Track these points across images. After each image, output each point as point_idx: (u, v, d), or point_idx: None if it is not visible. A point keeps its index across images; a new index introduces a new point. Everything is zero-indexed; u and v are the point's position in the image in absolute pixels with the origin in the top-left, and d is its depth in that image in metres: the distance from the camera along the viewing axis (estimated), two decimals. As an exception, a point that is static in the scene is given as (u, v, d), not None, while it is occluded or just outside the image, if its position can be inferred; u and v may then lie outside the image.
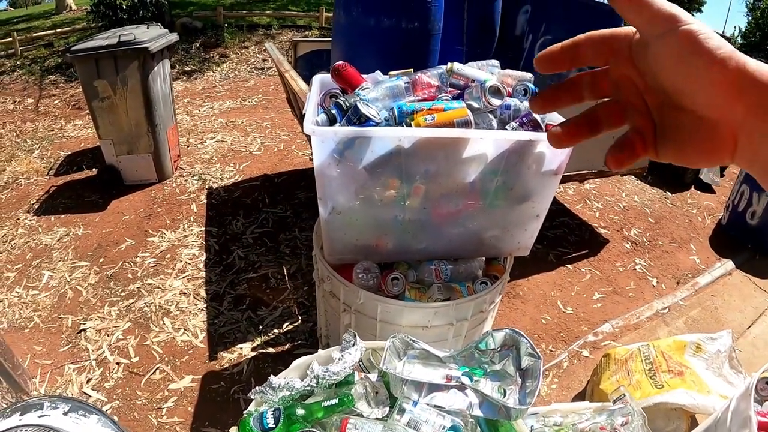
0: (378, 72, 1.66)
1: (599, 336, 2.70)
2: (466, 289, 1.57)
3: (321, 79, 1.68)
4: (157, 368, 2.44)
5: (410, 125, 1.28)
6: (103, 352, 2.52)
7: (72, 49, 3.42)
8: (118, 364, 2.46)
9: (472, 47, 3.27)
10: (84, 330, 2.66)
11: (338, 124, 1.31)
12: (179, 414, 2.20)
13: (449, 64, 1.49)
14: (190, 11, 9.56)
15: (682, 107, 0.37)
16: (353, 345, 1.30)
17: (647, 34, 0.37)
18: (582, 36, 0.42)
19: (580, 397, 2.31)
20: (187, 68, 7.45)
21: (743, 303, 3.18)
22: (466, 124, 1.28)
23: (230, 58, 7.92)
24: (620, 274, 3.30)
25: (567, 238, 3.61)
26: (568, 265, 3.30)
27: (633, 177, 4.69)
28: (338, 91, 1.52)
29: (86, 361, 2.48)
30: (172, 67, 7.45)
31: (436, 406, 1.15)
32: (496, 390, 1.19)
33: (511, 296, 2.92)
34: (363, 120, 1.20)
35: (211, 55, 7.92)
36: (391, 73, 1.59)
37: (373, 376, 1.26)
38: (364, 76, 1.67)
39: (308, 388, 1.22)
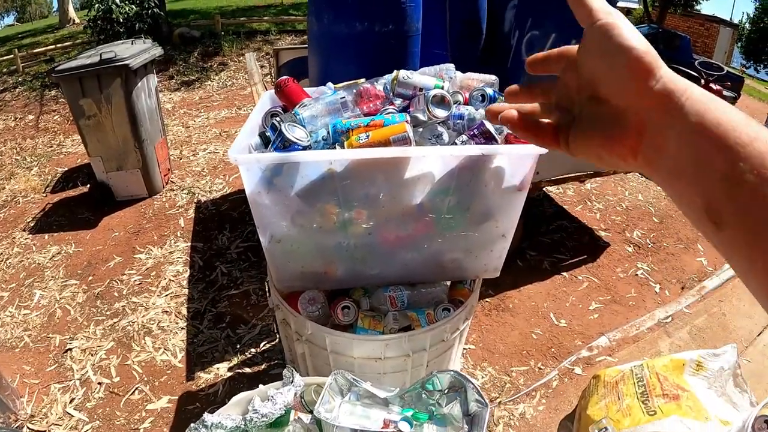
0: (329, 84, 1.55)
1: (594, 351, 2.55)
2: (425, 317, 1.45)
3: (271, 95, 1.58)
4: (136, 388, 2.43)
5: (344, 145, 1.17)
6: (87, 371, 2.53)
7: (56, 69, 3.41)
8: (99, 383, 2.46)
9: (458, 47, 3.15)
10: (70, 349, 2.68)
11: (269, 148, 1.20)
12: (155, 435, 2.16)
13: (395, 72, 1.38)
14: (190, 20, 9.56)
15: (599, 98, 0.39)
16: (291, 383, 1.20)
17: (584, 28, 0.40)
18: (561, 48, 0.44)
19: (569, 420, 2.17)
20: (186, 78, 7.43)
21: (753, 308, 2.98)
22: (404, 140, 1.16)
23: (228, 67, 7.89)
24: (620, 281, 3.14)
25: (564, 243, 3.46)
26: (564, 273, 3.14)
27: (637, 174, 4.50)
28: (279, 110, 1.42)
29: (71, 380, 2.49)
30: (171, 78, 7.45)
31: (372, 456, 1.04)
32: (439, 439, 1.07)
33: (500, 309, 2.79)
34: (287, 145, 1.10)
35: (210, 63, 7.90)
36: (338, 85, 1.48)
37: (308, 417, 1.16)
38: (311, 89, 1.56)
39: (240, 428, 1.14)
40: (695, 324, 2.79)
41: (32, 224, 3.89)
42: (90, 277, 3.24)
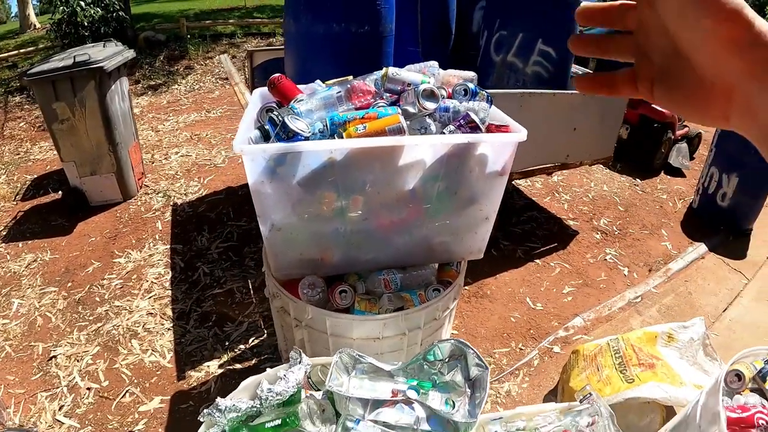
0: (317, 81, 1.63)
1: (570, 331, 2.69)
2: (417, 297, 1.54)
3: (261, 92, 1.65)
4: (127, 391, 2.43)
5: (342, 136, 1.25)
6: (74, 378, 2.51)
7: (28, 72, 3.35)
8: (88, 389, 2.44)
9: (429, 47, 3.26)
10: (54, 357, 2.64)
11: (272, 139, 1.27)
12: (150, 436, 2.18)
13: (384, 69, 1.47)
14: (154, 24, 9.42)
15: (683, 55, 0.35)
16: (298, 363, 1.27)
17: None
18: None
19: (552, 394, 2.30)
20: (152, 82, 7.33)
21: (718, 286, 3.20)
22: (398, 131, 1.25)
23: (195, 70, 7.81)
24: (590, 266, 3.31)
25: (535, 233, 3.61)
26: (537, 260, 3.30)
27: (601, 166, 4.71)
28: (274, 105, 1.49)
29: (58, 388, 2.46)
30: (137, 82, 7.33)
31: (382, 423, 1.12)
32: (445, 402, 1.16)
33: (479, 296, 2.91)
34: (291, 135, 1.17)
35: (176, 67, 7.81)
36: (328, 82, 1.56)
37: (320, 394, 1.23)
38: (301, 86, 1.64)
39: (254, 408, 1.20)
40: (663, 303, 2.97)
41: (4, 233, 3.80)
42: (69, 284, 3.20)
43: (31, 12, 11.44)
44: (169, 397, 2.38)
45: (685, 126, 5.45)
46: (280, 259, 1.48)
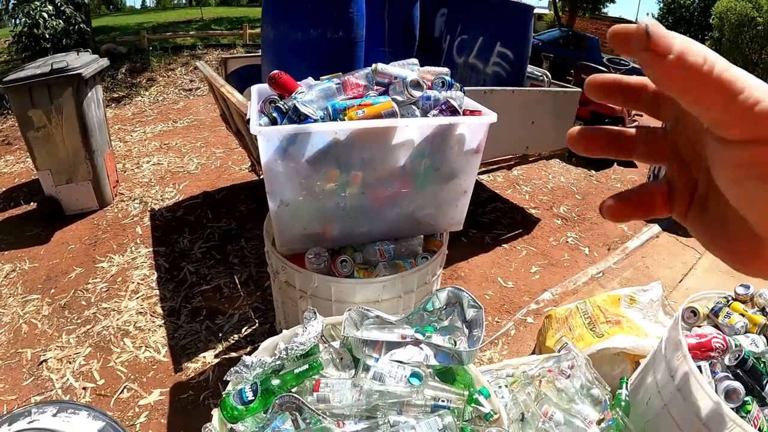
0: (310, 78, 1.82)
1: (541, 304, 2.95)
2: (409, 264, 1.74)
3: (258, 88, 1.82)
4: (125, 387, 2.46)
5: (344, 120, 1.45)
6: (68, 379, 2.51)
7: (4, 80, 3.34)
8: (84, 389, 2.45)
9: (395, 50, 3.49)
10: (45, 361, 2.63)
11: (284, 122, 1.45)
12: (153, 427, 2.25)
13: (374, 65, 1.67)
14: (114, 36, 9.35)
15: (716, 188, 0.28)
16: (314, 319, 1.44)
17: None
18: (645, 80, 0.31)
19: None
20: (116, 95, 7.30)
21: (673, 260, 3.54)
22: (392, 114, 1.46)
23: (158, 82, 7.83)
24: (554, 248, 3.60)
25: (500, 221, 3.89)
26: (504, 245, 3.56)
27: (558, 160, 5.06)
28: (276, 97, 1.67)
29: (51, 390, 2.46)
30: (100, 94, 7.30)
31: (396, 361, 1.31)
32: (447, 341, 1.36)
33: (454, 278, 3.14)
34: (302, 118, 1.36)
35: (138, 79, 7.80)
36: (321, 77, 1.75)
37: (337, 343, 1.41)
38: (298, 82, 1.82)
39: (279, 362, 1.35)
40: (624, 276, 3.28)
41: (-23, 246, 3.77)
42: (52, 290, 3.21)
43: (-12, 25, 11.10)
44: (168, 389, 2.43)
45: (635, 120, 5.90)
46: (286, 234, 1.66)
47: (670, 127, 0.31)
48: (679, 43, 0.23)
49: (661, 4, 21.37)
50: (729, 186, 0.26)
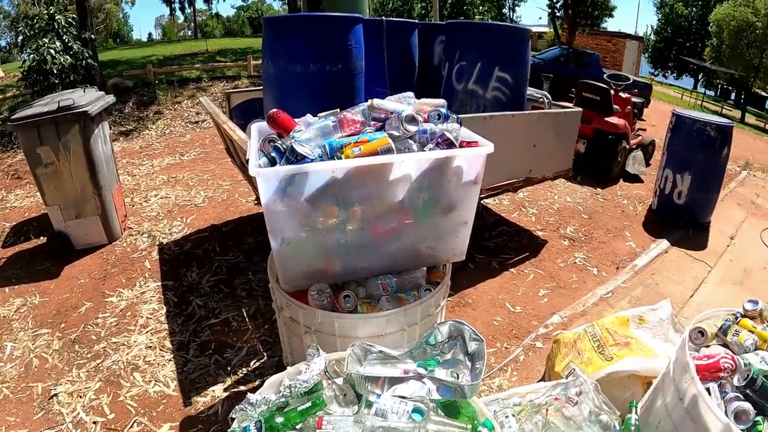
0: (308, 115, 1.85)
1: (549, 327, 2.92)
2: (412, 297, 1.75)
3: (258, 126, 1.86)
4: (135, 421, 2.45)
5: (341, 158, 1.47)
6: (78, 413, 2.52)
7: (12, 117, 3.43)
8: (95, 423, 2.45)
9: (395, 80, 3.54)
10: (56, 395, 2.64)
11: (278, 164, 1.48)
12: (163, 462, 2.25)
13: (370, 101, 1.70)
14: (121, 70, 9.58)
15: None
16: (317, 356, 1.44)
17: None
18: None
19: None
20: (123, 128, 7.45)
21: (682, 275, 3.50)
22: (389, 150, 1.48)
23: (164, 115, 7.97)
24: (562, 270, 3.58)
25: (507, 245, 3.88)
26: (512, 269, 3.54)
27: (564, 180, 5.05)
28: (275, 136, 1.70)
29: (62, 425, 2.46)
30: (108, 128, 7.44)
31: (399, 396, 1.30)
32: (450, 375, 1.36)
33: (461, 305, 3.12)
34: (299, 158, 1.38)
35: (146, 113, 7.96)
36: (320, 114, 1.78)
37: (340, 380, 1.41)
38: (296, 119, 1.86)
39: (282, 399, 1.36)
40: (633, 295, 3.25)
41: (-11, 280, 3.82)
42: (62, 324, 3.24)
43: (-6, 61, 11.44)
44: (178, 423, 2.43)
45: (639, 135, 5.91)
46: (289, 272, 1.67)
47: None
48: None
49: (660, 15, 21.51)
50: None
